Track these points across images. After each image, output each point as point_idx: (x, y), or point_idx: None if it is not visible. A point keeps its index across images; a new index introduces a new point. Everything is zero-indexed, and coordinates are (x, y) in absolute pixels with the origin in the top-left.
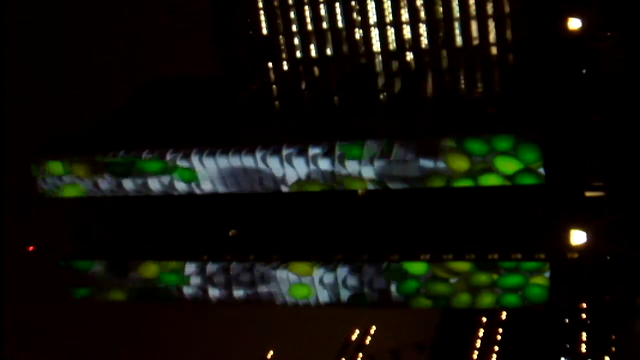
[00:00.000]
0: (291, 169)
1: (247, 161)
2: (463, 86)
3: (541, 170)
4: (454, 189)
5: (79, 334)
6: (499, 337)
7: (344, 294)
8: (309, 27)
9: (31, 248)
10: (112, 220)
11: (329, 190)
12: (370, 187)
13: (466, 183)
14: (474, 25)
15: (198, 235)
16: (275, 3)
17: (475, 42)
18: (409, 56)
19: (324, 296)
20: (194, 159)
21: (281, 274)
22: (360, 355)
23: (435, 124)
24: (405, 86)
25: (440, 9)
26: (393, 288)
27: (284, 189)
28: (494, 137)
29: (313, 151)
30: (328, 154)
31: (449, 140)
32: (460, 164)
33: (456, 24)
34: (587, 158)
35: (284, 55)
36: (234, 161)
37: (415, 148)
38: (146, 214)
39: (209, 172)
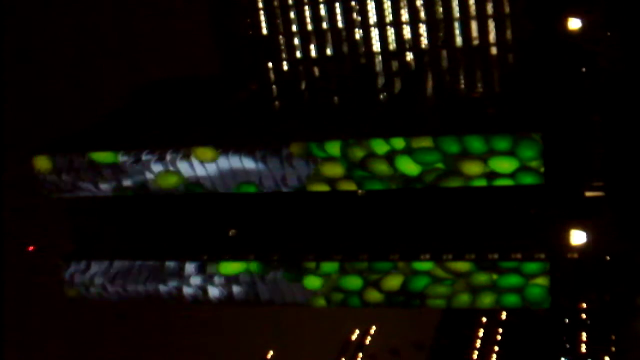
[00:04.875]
0: None
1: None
2: (463, 86)
3: (541, 170)
4: (454, 190)
5: (79, 333)
6: (499, 337)
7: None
8: (309, 27)
9: (31, 248)
10: (112, 220)
11: (330, 191)
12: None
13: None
14: (474, 25)
15: (198, 235)
16: (275, 3)
17: (475, 42)
18: (409, 56)
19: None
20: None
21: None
22: (360, 355)
23: (435, 123)
24: (405, 86)
25: (440, 9)
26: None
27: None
28: (493, 136)
29: None
30: None
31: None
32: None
33: (456, 24)
34: (587, 158)
35: (284, 55)
36: (234, 161)
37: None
38: (146, 214)
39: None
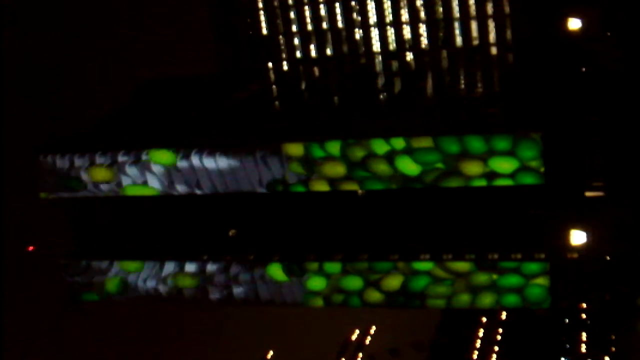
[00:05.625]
0: None
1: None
2: (463, 86)
3: (541, 170)
4: (453, 190)
5: (79, 334)
6: (499, 337)
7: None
8: (309, 27)
9: (31, 248)
10: (112, 220)
11: (330, 191)
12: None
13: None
14: (474, 25)
15: (198, 235)
16: (275, 3)
17: (475, 42)
18: (409, 56)
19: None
20: (194, 159)
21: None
22: (360, 355)
23: (435, 123)
24: (405, 86)
25: (440, 9)
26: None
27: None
28: (493, 136)
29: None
30: None
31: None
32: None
33: (456, 24)
34: (587, 158)
35: (284, 55)
36: (234, 161)
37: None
38: (146, 214)
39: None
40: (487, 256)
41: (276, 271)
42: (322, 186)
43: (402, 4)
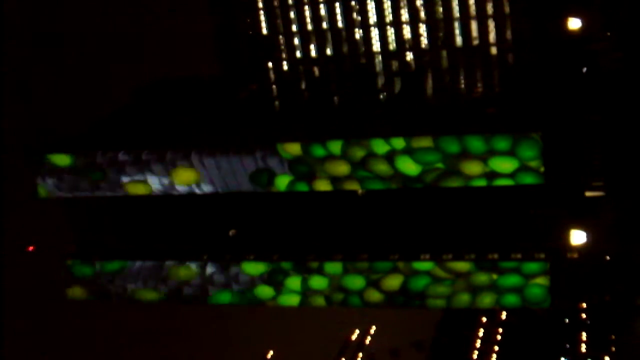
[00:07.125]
0: None
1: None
2: (463, 86)
3: (541, 170)
4: (454, 190)
5: (79, 333)
6: (499, 337)
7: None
8: (309, 27)
9: (31, 248)
10: (112, 220)
11: (330, 191)
12: None
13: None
14: (474, 25)
15: (198, 235)
16: (275, 3)
17: (475, 42)
18: (409, 56)
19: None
20: (194, 159)
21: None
22: (360, 355)
23: (435, 123)
24: (405, 86)
25: (440, 9)
26: None
27: None
28: (493, 136)
29: None
30: None
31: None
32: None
33: (456, 24)
34: (587, 158)
35: (284, 55)
36: (234, 161)
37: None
38: (146, 214)
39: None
40: (487, 256)
41: (295, 282)
42: (324, 185)
43: (402, 4)
